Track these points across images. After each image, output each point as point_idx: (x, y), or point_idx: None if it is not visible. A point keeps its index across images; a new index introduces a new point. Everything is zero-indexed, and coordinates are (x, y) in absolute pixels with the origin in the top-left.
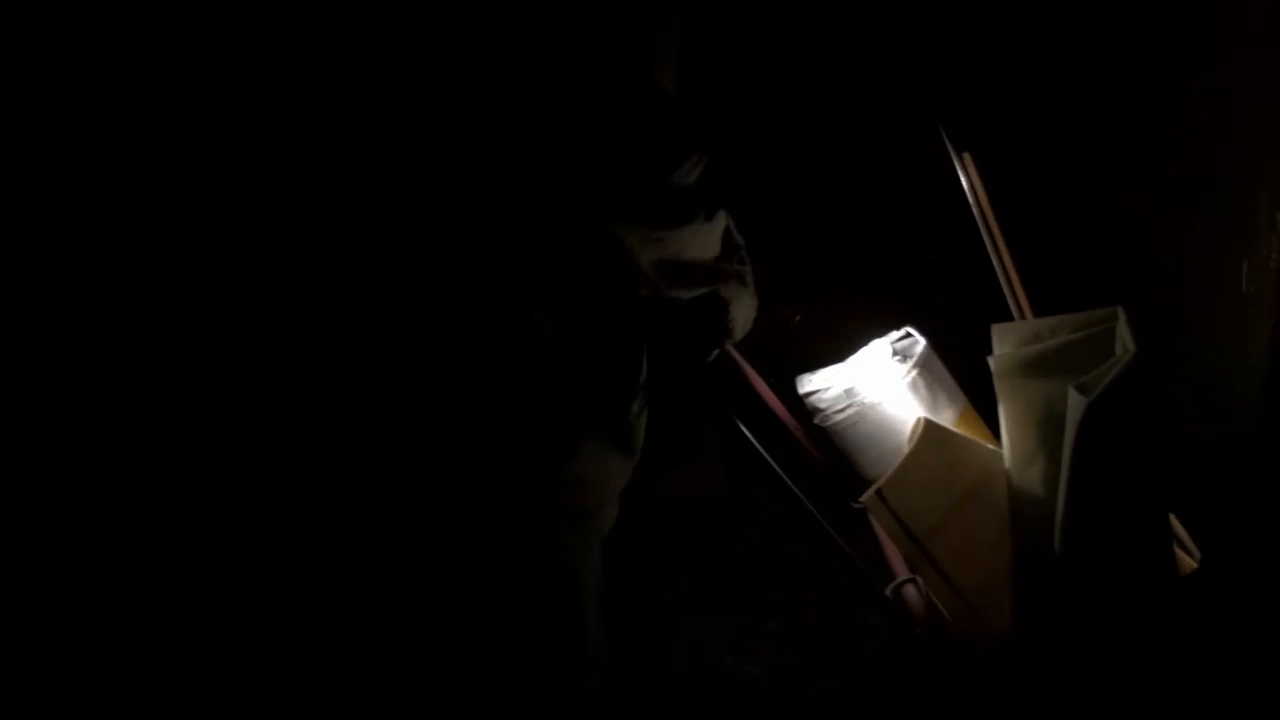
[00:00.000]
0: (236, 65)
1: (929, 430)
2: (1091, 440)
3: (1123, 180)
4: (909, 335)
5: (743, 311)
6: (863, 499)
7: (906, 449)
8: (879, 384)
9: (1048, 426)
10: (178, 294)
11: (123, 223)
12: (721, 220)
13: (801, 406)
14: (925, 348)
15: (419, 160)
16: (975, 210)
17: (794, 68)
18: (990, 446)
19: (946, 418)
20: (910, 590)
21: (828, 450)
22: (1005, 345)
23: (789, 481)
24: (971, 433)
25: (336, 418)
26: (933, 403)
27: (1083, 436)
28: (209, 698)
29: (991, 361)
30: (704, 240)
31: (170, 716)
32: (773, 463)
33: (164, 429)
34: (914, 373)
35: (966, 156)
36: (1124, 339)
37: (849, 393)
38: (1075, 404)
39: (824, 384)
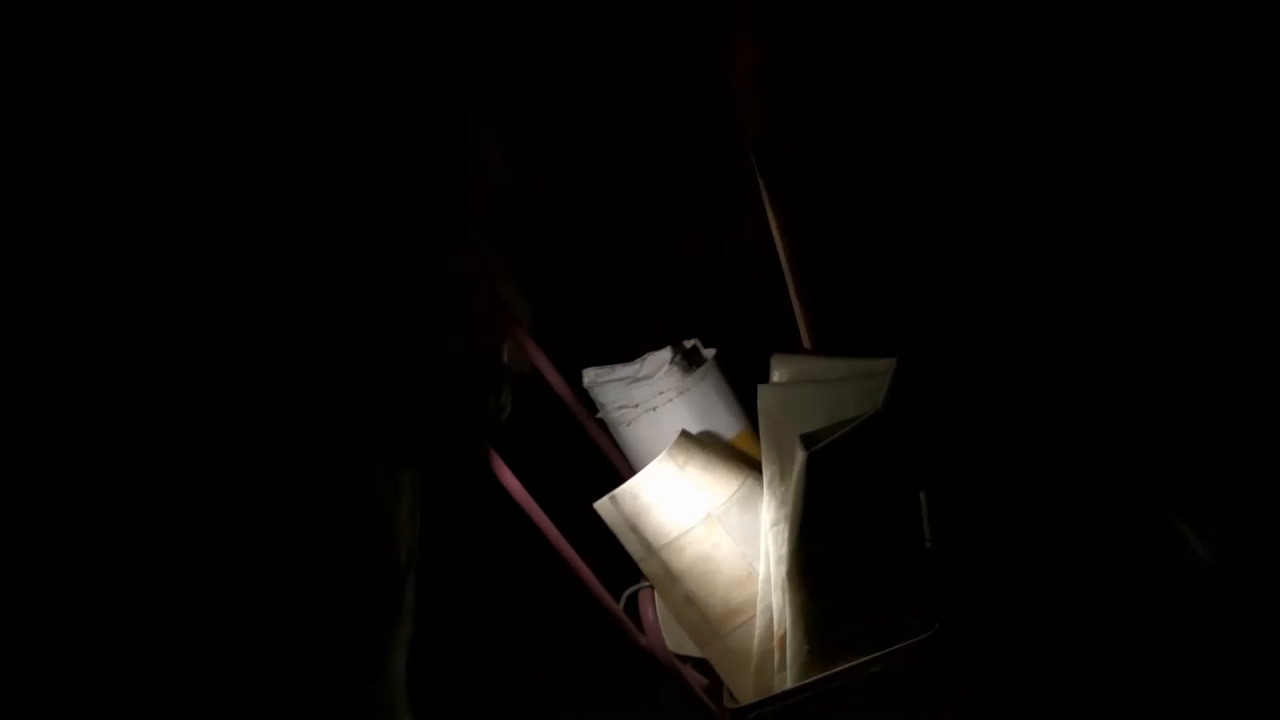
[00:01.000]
0: (237, 66)
1: (679, 444)
2: (813, 493)
3: None
4: (697, 347)
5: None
6: (596, 504)
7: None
8: (656, 389)
9: (791, 467)
10: (178, 294)
11: (122, 223)
12: None
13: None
14: (710, 362)
15: None
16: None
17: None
18: (750, 473)
19: (720, 436)
20: (641, 598)
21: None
22: (778, 375)
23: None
24: (745, 455)
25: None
26: (707, 417)
27: (805, 488)
28: (209, 698)
29: (760, 391)
30: None
31: (170, 716)
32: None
33: (164, 429)
34: (691, 385)
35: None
36: (881, 395)
37: (627, 392)
38: (799, 455)
39: (606, 378)
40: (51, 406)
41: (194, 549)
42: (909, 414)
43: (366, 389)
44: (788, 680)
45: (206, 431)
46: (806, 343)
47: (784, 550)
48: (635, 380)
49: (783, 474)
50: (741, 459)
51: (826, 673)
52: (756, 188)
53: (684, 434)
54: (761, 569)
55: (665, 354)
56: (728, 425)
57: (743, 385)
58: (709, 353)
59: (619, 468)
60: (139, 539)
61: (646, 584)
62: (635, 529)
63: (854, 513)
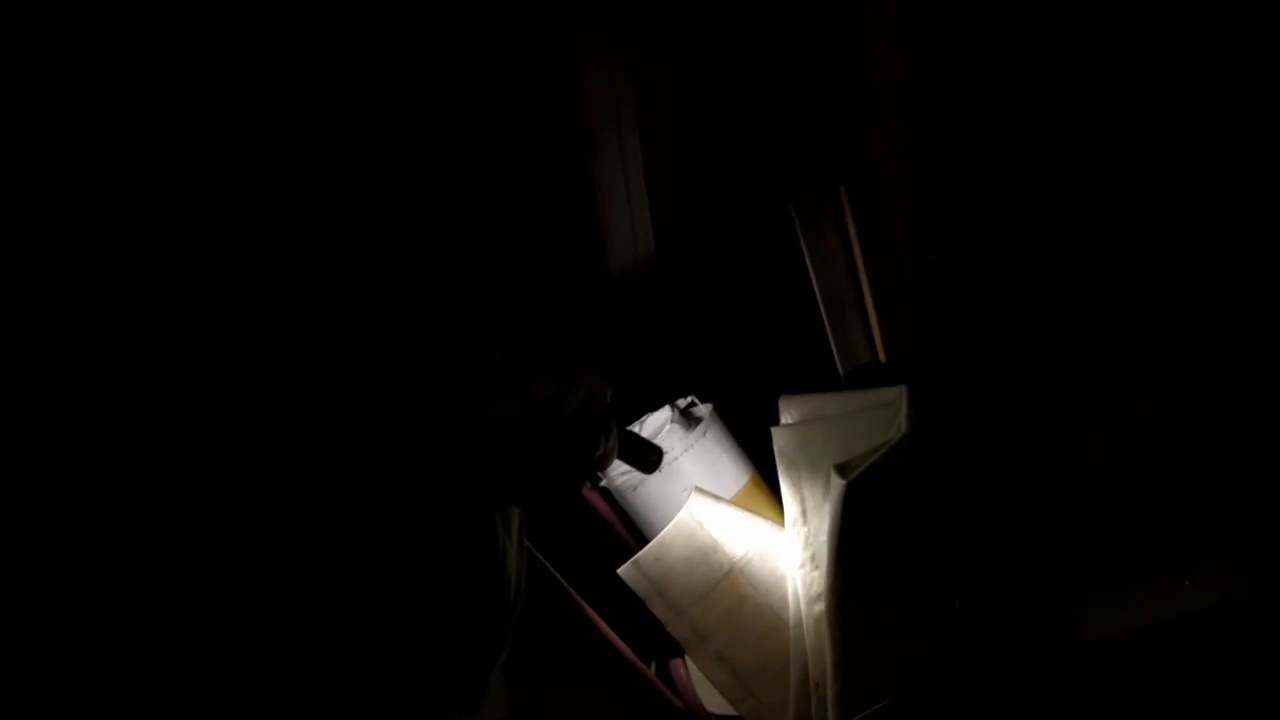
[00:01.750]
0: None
1: (695, 502)
2: (852, 521)
3: None
4: (693, 403)
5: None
6: (620, 570)
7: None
8: (670, 443)
9: (819, 504)
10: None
11: (122, 222)
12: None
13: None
14: (710, 415)
15: None
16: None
17: None
18: (764, 521)
19: (728, 488)
20: (674, 666)
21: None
22: (789, 417)
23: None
24: (755, 504)
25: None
26: (713, 471)
27: (844, 518)
28: (209, 698)
29: (774, 434)
30: None
31: (170, 716)
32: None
33: (164, 428)
34: (694, 442)
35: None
36: (901, 419)
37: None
38: (835, 485)
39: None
40: (52, 406)
41: (194, 549)
42: (934, 435)
43: (499, 439)
44: None
45: (207, 431)
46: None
47: (820, 588)
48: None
49: (806, 514)
50: (754, 508)
51: (868, 710)
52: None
53: (697, 491)
54: (791, 614)
55: (664, 414)
56: (735, 476)
57: (741, 432)
58: (705, 408)
59: (624, 537)
60: (139, 539)
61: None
62: (661, 591)
63: (892, 539)
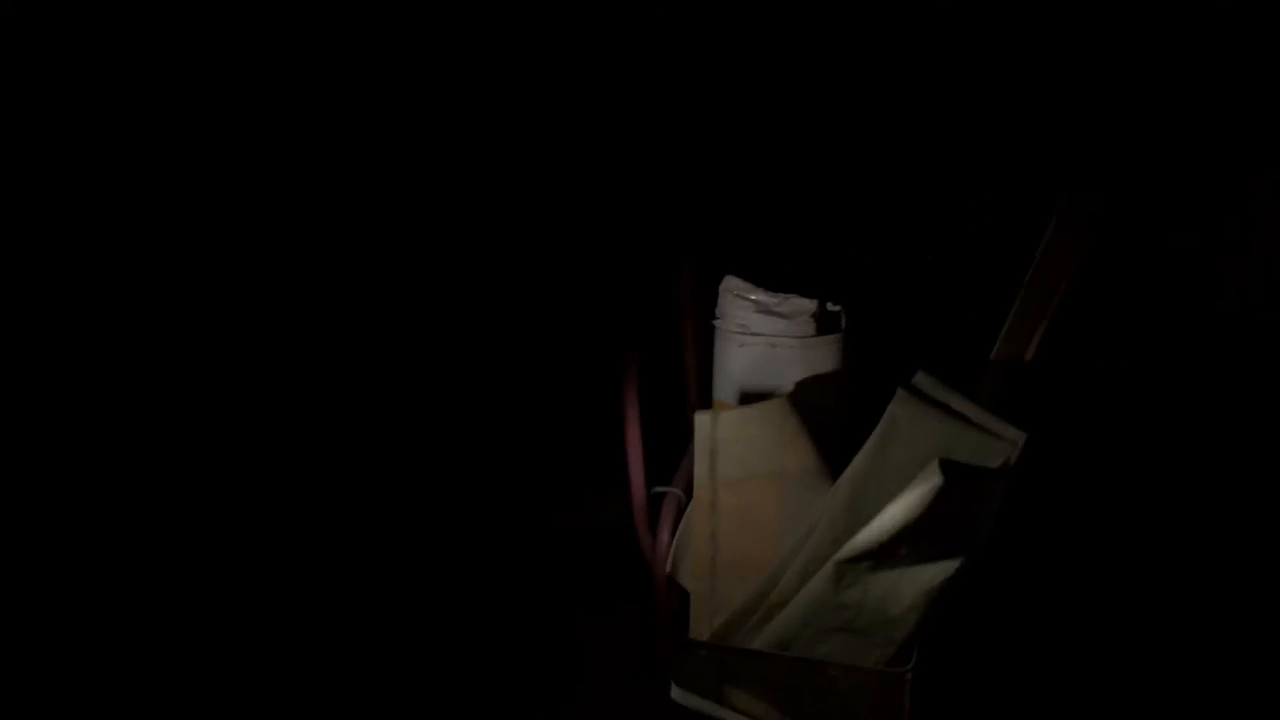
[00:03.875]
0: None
1: (796, 395)
2: (929, 509)
3: None
4: (838, 313)
5: None
6: (697, 413)
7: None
8: (784, 329)
9: (896, 479)
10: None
11: (124, 222)
12: None
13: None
14: (843, 334)
15: None
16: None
17: None
18: (819, 455)
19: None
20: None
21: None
22: (921, 385)
23: None
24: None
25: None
26: (813, 380)
27: (919, 506)
28: (209, 698)
29: (899, 395)
30: None
31: (170, 716)
32: None
33: (164, 428)
34: (817, 345)
35: None
36: (1012, 458)
37: (754, 317)
38: (931, 474)
39: (744, 293)
40: (53, 405)
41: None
42: (1021, 486)
43: None
44: (755, 643)
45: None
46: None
47: (857, 541)
48: (769, 311)
49: (880, 471)
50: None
51: (799, 657)
52: None
53: (801, 385)
54: (795, 539)
55: (809, 304)
56: (823, 398)
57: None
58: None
59: (689, 371)
60: (139, 539)
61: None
62: (715, 453)
63: (942, 544)
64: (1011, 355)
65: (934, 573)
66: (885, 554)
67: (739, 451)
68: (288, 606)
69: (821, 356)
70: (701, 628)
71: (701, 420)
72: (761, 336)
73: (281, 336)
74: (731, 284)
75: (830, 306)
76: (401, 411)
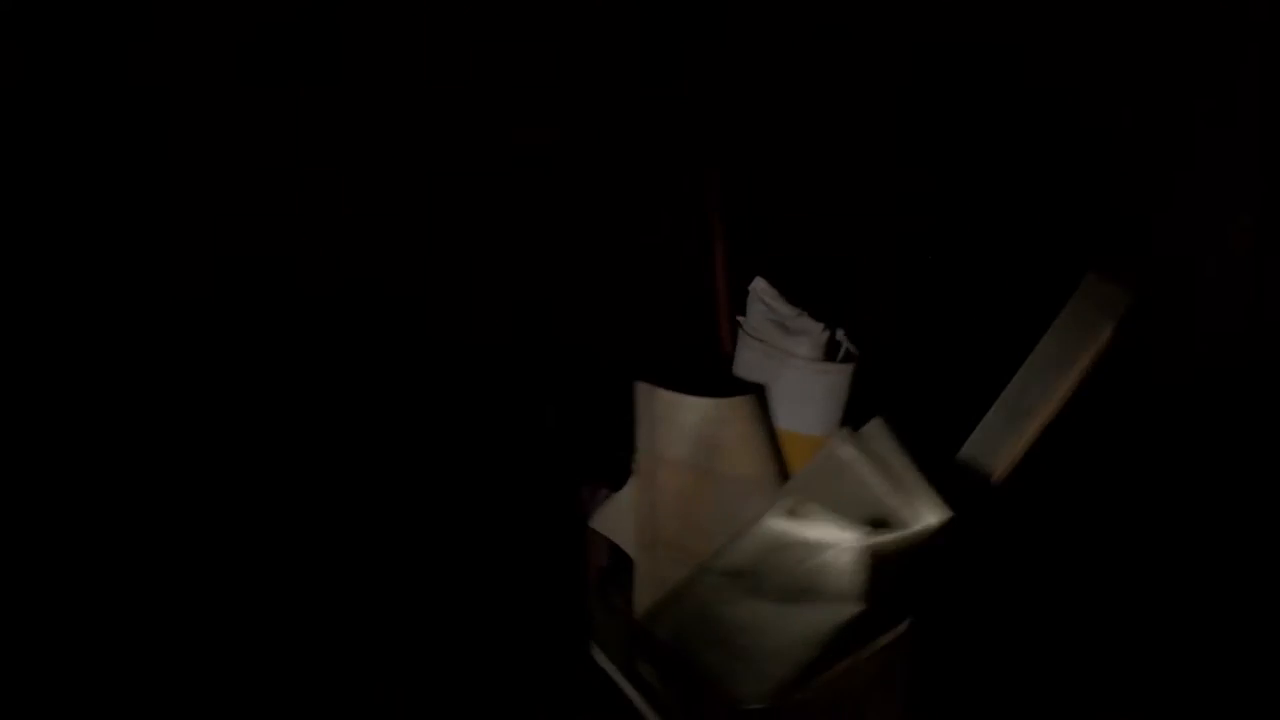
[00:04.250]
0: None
1: (749, 400)
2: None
3: None
4: (842, 342)
5: None
6: (639, 383)
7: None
8: (789, 345)
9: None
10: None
11: (124, 221)
12: None
13: None
14: (847, 368)
15: None
16: None
17: None
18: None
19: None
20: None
21: None
22: (869, 430)
23: None
24: (791, 456)
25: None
26: (804, 402)
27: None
28: (208, 698)
29: (844, 430)
30: None
31: (170, 716)
32: None
33: (164, 428)
34: (817, 369)
35: None
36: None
37: (767, 325)
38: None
39: (767, 299)
40: (53, 405)
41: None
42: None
43: None
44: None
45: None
46: None
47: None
48: (780, 323)
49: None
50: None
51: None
52: None
53: (757, 397)
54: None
55: (817, 326)
56: (812, 423)
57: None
58: (848, 361)
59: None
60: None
61: None
62: (654, 428)
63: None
64: (984, 456)
65: (818, 621)
66: (757, 578)
67: (675, 435)
68: (287, 606)
69: (821, 385)
70: (644, 596)
71: (642, 390)
72: (766, 343)
73: (281, 337)
74: (761, 288)
75: (838, 333)
76: (401, 411)
